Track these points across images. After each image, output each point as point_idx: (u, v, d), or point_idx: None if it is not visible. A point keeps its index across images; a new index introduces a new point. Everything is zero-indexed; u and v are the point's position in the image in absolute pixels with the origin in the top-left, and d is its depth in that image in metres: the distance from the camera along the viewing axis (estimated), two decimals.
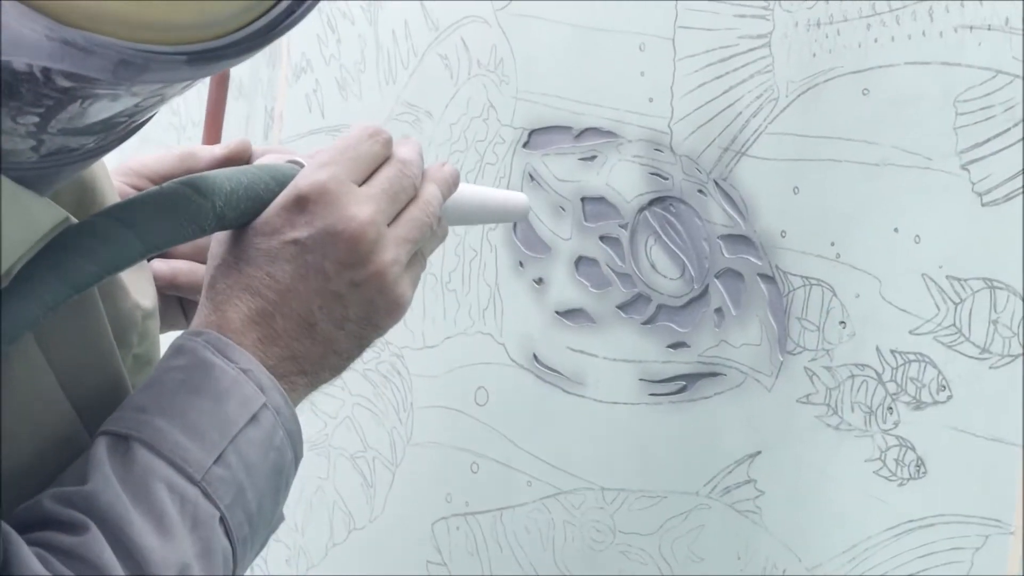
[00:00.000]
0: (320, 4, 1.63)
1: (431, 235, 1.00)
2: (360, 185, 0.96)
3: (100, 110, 0.74)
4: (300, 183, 0.95)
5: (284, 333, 0.94)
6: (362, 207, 0.94)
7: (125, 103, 0.74)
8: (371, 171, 0.98)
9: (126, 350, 0.99)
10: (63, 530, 0.84)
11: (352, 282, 0.94)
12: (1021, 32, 1.01)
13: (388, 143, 0.99)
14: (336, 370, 0.98)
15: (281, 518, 0.97)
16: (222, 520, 0.87)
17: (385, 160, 0.99)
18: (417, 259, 1.01)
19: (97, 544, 0.83)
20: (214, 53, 0.70)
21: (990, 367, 1.03)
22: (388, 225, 0.97)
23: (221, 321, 0.93)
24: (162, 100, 0.77)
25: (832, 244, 1.14)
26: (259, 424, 0.90)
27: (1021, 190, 1.01)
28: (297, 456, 0.95)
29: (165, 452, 0.87)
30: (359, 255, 0.94)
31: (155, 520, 0.84)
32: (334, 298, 0.94)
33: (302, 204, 0.93)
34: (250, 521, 0.91)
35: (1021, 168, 1.01)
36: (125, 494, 0.85)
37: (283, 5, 0.72)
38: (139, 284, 1.04)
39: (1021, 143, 1.01)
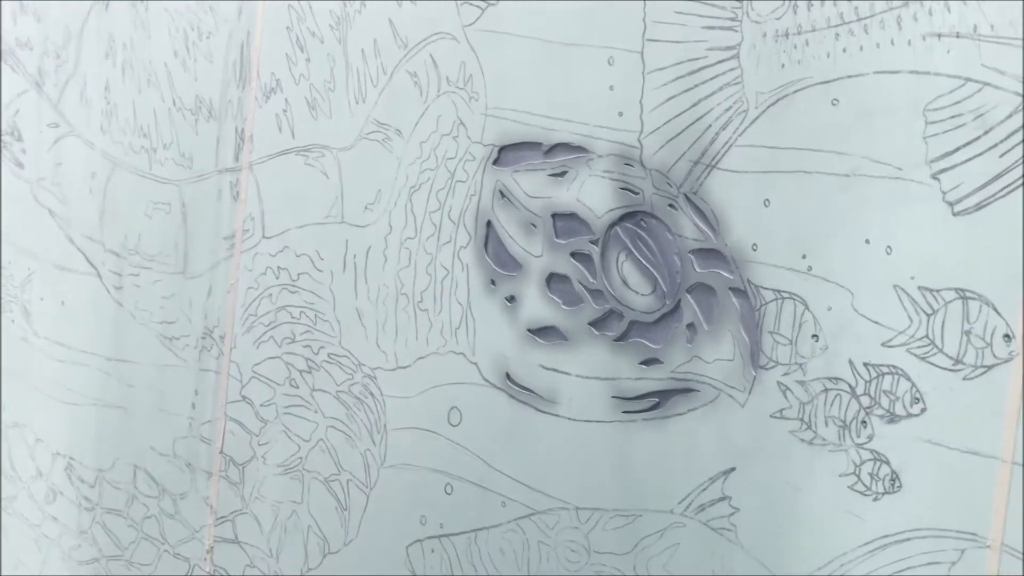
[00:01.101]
0: (289, 23, 1.62)
1: None
2: None
3: None
4: None
5: None
6: None
7: None
8: None
9: None
10: None
11: None
12: (1012, 39, 1.00)
13: None
14: None
15: None
16: None
17: None
18: None
19: None
20: None
21: (963, 378, 1.01)
22: None
23: None
24: None
25: (804, 257, 1.13)
26: None
27: (992, 199, 1.00)
28: None
29: None
30: None
31: None
32: None
33: None
34: None
35: (992, 177, 1.00)
36: None
37: None
38: None
39: (991, 151, 1.00)
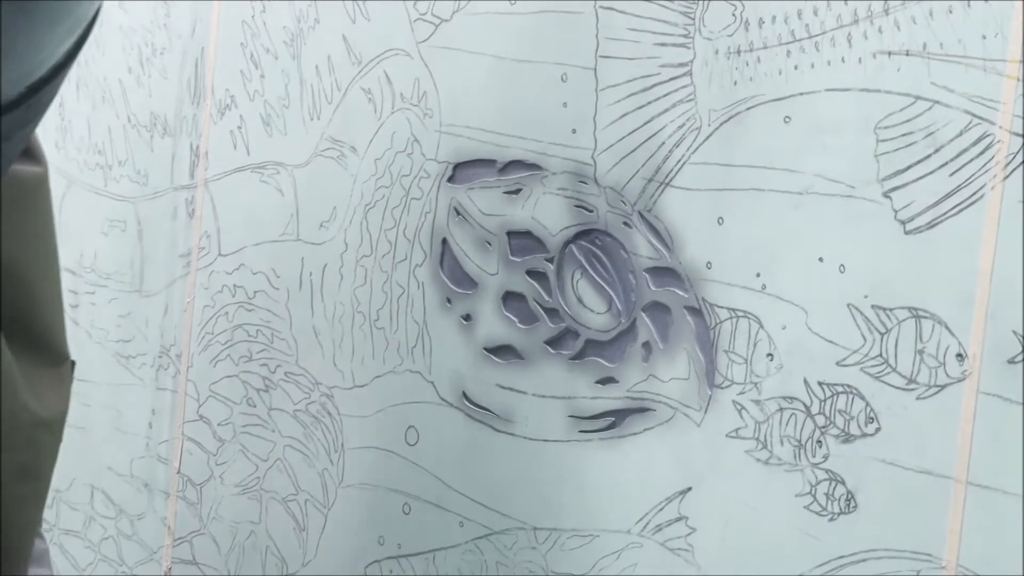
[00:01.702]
0: (243, 39, 1.61)
1: None
2: None
3: None
4: None
5: None
6: None
7: None
8: None
9: (7, 452, 0.98)
10: None
11: None
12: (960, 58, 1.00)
13: None
14: None
15: None
16: None
17: None
18: None
19: None
20: None
21: (917, 398, 1.01)
22: None
23: None
24: None
25: (758, 275, 1.12)
26: None
27: (944, 217, 0.99)
28: None
29: None
30: None
31: None
32: None
33: None
34: None
35: (943, 195, 0.99)
36: None
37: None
38: (39, 389, 1.03)
39: (942, 170, 0.99)
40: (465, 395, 1.36)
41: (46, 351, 1.07)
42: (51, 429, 1.03)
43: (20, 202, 1.04)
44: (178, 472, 1.75)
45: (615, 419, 1.23)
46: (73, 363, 1.10)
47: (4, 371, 0.98)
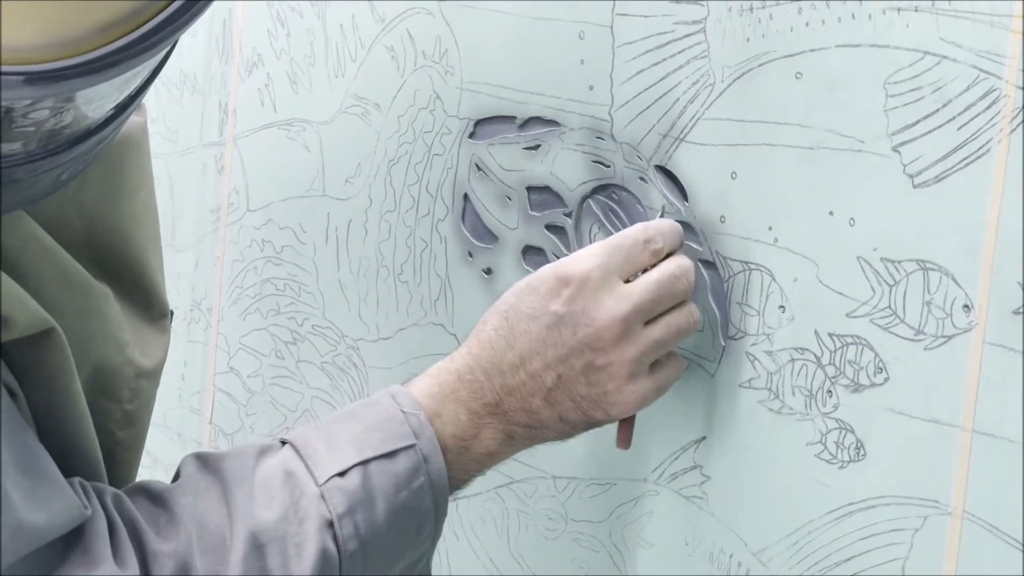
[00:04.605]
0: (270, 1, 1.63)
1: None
2: (626, 281, 1.09)
3: None
4: (568, 265, 1.08)
5: (517, 387, 1.08)
6: (620, 303, 1.06)
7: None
8: (637, 272, 1.11)
9: (115, 403, 1.05)
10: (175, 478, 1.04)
11: (590, 364, 1.07)
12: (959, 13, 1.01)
13: (658, 253, 1.12)
14: (559, 435, 1.13)
15: (425, 570, 1.10)
16: (331, 525, 0.99)
17: (655, 265, 1.11)
18: (670, 363, 1.13)
19: (197, 492, 0.99)
20: (54, 74, 0.71)
21: (925, 348, 1.03)
22: (645, 324, 1.08)
23: (436, 370, 1.14)
24: (69, 107, 0.78)
25: (770, 228, 1.14)
26: (395, 460, 1.04)
27: (951, 171, 1.01)
28: (438, 509, 1.07)
29: (304, 454, 1.02)
30: (603, 343, 1.06)
31: (267, 498, 0.99)
32: (570, 372, 1.07)
33: (565, 283, 1.07)
34: (360, 540, 1.01)
35: (950, 149, 1.01)
36: (257, 472, 1.00)
37: (136, 34, 0.74)
38: (143, 342, 1.08)
39: (949, 124, 1.01)
40: None
41: (151, 306, 1.13)
42: (152, 378, 1.12)
43: (127, 157, 1.09)
44: (210, 422, 1.79)
45: None
46: (172, 313, 1.19)
47: (115, 328, 1.04)
